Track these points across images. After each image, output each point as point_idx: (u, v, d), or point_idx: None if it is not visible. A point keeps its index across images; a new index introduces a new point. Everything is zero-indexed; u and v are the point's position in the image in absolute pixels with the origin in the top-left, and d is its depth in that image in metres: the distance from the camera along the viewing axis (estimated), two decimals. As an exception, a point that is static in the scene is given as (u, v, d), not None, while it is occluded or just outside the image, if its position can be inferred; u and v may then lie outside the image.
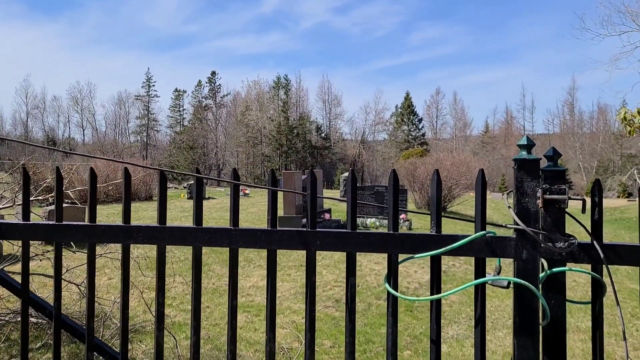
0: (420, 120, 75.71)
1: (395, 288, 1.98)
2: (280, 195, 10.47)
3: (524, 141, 1.84)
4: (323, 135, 75.21)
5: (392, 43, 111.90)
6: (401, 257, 1.99)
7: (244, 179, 66.79)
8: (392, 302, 1.99)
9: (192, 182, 25.49)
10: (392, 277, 2.00)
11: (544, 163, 1.85)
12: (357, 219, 1.99)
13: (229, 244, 2.11)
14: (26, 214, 2.31)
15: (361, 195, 16.05)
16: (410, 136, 73.87)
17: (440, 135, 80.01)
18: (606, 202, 30.07)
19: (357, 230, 2.01)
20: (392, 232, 1.98)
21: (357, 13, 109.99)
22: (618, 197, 48.75)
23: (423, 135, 75.37)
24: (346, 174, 31.61)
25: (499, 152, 71.48)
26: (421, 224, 15.42)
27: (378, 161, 73.70)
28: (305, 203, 14.11)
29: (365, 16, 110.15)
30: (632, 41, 18.64)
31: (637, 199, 2.75)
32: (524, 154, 1.83)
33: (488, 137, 78.01)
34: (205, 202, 21.76)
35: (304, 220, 13.18)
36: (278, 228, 2.10)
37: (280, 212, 13.70)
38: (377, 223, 14.61)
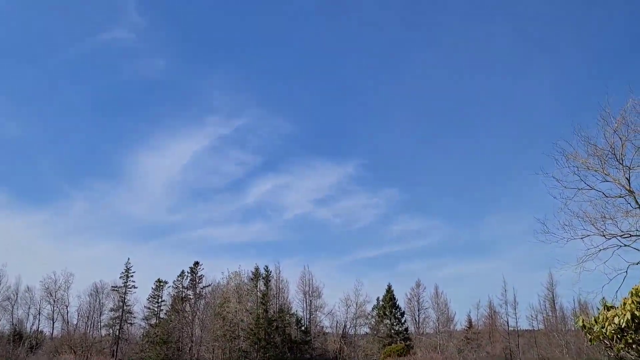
0: (402, 314, 74.51)
1: None
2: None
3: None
4: (303, 328, 73.11)
5: (372, 234, 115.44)
6: None
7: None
8: None
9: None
10: None
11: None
12: None
13: None
14: None
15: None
16: (392, 331, 72.02)
17: (423, 330, 78.15)
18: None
19: None
20: None
21: (339, 205, 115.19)
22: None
23: (406, 330, 73.59)
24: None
25: (484, 349, 69.37)
26: None
27: (360, 357, 70.74)
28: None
29: (346, 208, 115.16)
30: (595, 244, 19.46)
31: None
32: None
33: (472, 332, 76.25)
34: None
35: None
36: None
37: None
38: None
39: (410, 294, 79.69)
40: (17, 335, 69.95)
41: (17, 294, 77.27)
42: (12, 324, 74.99)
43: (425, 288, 79.86)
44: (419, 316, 78.92)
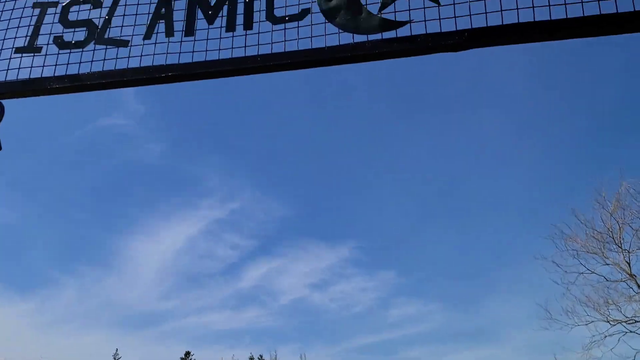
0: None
1: None
2: None
3: None
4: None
5: (370, 319, 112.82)
6: None
7: None
8: None
9: None
10: None
11: None
12: None
13: None
14: None
15: None
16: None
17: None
18: None
19: None
20: None
21: (335, 289, 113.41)
22: None
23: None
24: None
25: None
26: None
27: None
28: None
29: (343, 292, 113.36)
30: (600, 330, 19.64)
31: None
32: None
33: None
34: None
35: None
36: None
37: None
38: None
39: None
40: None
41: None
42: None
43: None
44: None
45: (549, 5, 2.85)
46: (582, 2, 2.82)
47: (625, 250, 20.56)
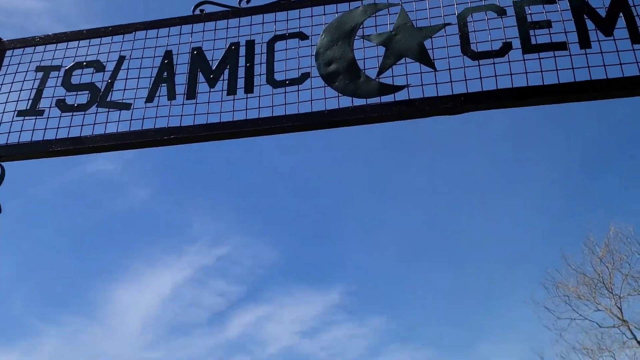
0: None
1: None
2: None
3: None
4: None
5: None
6: None
7: None
8: None
9: None
10: None
11: None
12: None
13: None
14: None
15: None
16: None
17: None
18: None
19: None
20: None
21: (324, 337, 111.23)
22: None
23: None
24: None
25: None
26: None
27: None
28: None
29: (332, 339, 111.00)
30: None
31: None
32: None
33: None
34: None
35: None
36: None
37: None
38: None
39: None
40: None
41: None
42: None
43: None
44: None
45: (541, 71, 2.97)
46: (572, 68, 2.94)
47: (616, 295, 20.56)
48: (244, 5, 3.63)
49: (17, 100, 3.65)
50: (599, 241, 21.53)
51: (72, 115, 3.52)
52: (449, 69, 3.12)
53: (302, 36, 3.48)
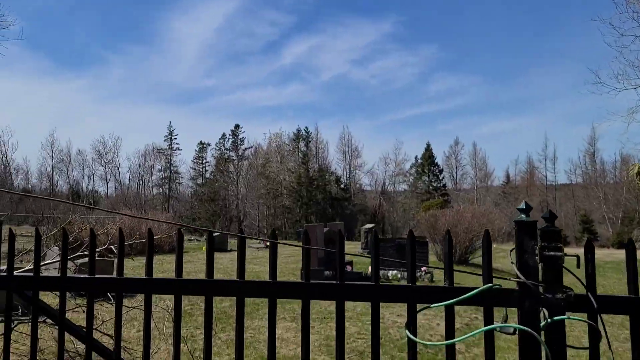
0: (441, 171, 76.01)
1: (415, 334, 2.25)
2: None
3: (522, 206, 2.15)
4: (343, 186, 75.73)
5: (410, 94, 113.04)
6: (419, 307, 2.28)
7: (264, 230, 67.13)
8: (412, 347, 2.26)
9: (216, 234, 25.47)
10: (411, 324, 2.28)
11: (542, 223, 2.15)
12: (379, 271, 2.31)
13: (269, 295, 2.42)
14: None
15: (383, 248, 16.21)
16: (431, 187, 74.00)
17: (461, 186, 79.97)
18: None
19: (380, 283, 2.31)
20: (411, 284, 2.28)
21: (375, 65, 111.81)
22: (645, 248, 47.62)
23: (444, 186, 75.42)
24: (367, 225, 31.81)
25: (521, 202, 70.81)
26: (442, 276, 15.45)
27: (399, 212, 73.65)
28: (328, 256, 14.34)
29: (383, 68, 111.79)
30: (648, 94, 18.81)
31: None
32: (523, 217, 2.13)
33: (510, 187, 77.70)
34: (228, 255, 22.06)
35: (327, 272, 13.38)
36: (312, 281, 2.40)
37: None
38: (399, 275, 14.71)
39: (449, 151, 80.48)
40: (75, 194, 74.81)
41: (69, 157, 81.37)
42: (69, 184, 79.97)
43: (463, 146, 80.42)
44: (456, 173, 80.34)
45: None
46: None
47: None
48: None
49: None
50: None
51: None
52: None
53: None
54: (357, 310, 9.92)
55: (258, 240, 46.85)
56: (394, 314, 9.71)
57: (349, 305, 10.17)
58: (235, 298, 2.42)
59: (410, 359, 2.25)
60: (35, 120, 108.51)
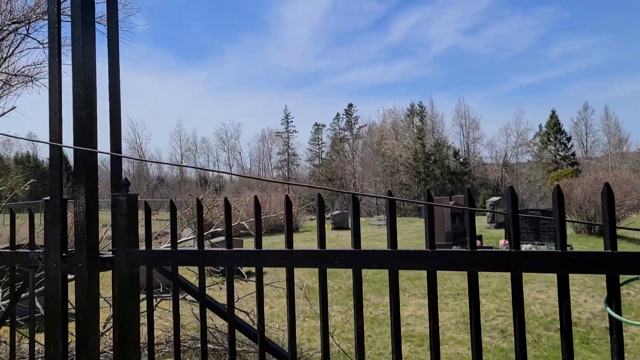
0: (568, 139, 70.64)
1: (619, 312, 1.80)
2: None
3: None
4: (462, 160, 73.23)
5: (529, 60, 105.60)
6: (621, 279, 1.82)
7: (382, 208, 66.93)
8: (617, 328, 1.81)
9: (336, 213, 25.72)
10: (613, 300, 1.83)
11: None
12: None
13: (426, 266, 2.09)
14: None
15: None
16: (558, 156, 69.17)
17: (592, 154, 73.90)
18: None
19: (567, 250, 1.88)
20: (609, 250, 1.83)
21: (489, 33, 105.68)
22: None
23: (573, 154, 70.13)
24: (494, 198, 30.32)
25: (664, 168, 64.14)
26: (582, 248, 14.22)
27: (523, 184, 69.79)
28: (455, 230, 13.73)
29: (498, 35, 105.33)
30: None
31: None
32: None
33: (649, 152, 70.58)
34: (347, 232, 22.07)
35: (455, 247, 12.80)
36: (477, 249, 2.03)
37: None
38: (534, 249, 13.75)
39: (577, 118, 74.55)
40: (203, 180, 79.47)
41: (195, 145, 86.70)
42: (197, 171, 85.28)
43: (594, 111, 74.19)
44: (587, 140, 74.32)
45: None
46: None
47: None
48: None
49: None
50: None
51: None
52: None
53: None
54: (493, 286, 9.32)
55: (378, 217, 46.70)
56: (534, 290, 8.99)
57: (483, 281, 9.59)
58: (383, 271, 2.13)
59: (614, 343, 1.80)
60: (163, 112, 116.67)
